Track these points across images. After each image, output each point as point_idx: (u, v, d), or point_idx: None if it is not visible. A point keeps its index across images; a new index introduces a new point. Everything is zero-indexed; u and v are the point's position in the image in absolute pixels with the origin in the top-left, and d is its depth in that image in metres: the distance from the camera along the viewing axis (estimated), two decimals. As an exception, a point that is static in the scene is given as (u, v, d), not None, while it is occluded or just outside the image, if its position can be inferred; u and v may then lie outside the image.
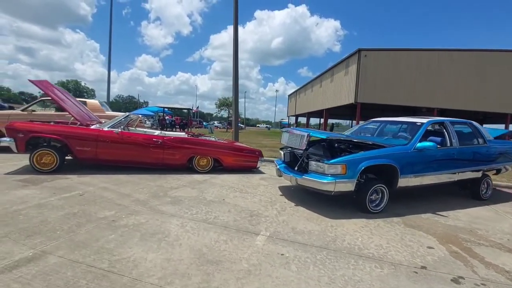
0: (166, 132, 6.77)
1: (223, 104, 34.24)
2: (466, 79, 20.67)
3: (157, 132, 6.40)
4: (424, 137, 4.50)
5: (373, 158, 3.87)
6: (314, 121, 52.73)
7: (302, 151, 4.39)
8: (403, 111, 37.43)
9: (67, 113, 7.42)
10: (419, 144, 4.24)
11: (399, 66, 20.64)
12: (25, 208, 3.24)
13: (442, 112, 22.15)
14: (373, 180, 3.99)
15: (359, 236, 3.16)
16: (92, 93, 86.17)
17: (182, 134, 6.65)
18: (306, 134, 4.00)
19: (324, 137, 4.09)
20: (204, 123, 43.92)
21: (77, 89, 79.72)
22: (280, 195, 4.68)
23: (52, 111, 7.79)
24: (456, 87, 20.80)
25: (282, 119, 73.72)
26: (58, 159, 5.00)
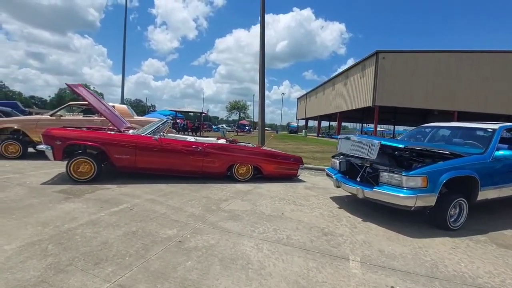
0: (199, 138, 6.43)
1: (234, 107, 34.02)
2: (488, 81, 20.09)
3: (190, 138, 6.06)
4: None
5: (454, 169, 3.46)
6: (323, 124, 52.35)
7: (362, 161, 4.02)
8: (412, 114, 36.51)
9: (95, 118, 7.16)
10: (499, 153, 3.83)
11: (418, 68, 20.17)
12: (78, 226, 2.90)
13: (462, 115, 21.58)
14: (453, 194, 3.58)
15: (458, 260, 2.75)
16: (101, 96, 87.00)
17: (213, 140, 6.29)
18: (377, 142, 3.62)
19: (402, 146, 3.70)
20: (213, 127, 43.70)
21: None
22: (338, 207, 4.28)
23: (80, 116, 7.53)
24: (477, 90, 20.23)
25: (289, 122, 73.22)
26: (96, 167, 4.69)
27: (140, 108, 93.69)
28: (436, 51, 20.69)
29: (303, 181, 6.11)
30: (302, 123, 50.70)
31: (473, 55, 20.31)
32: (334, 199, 4.77)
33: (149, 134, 5.05)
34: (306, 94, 45.00)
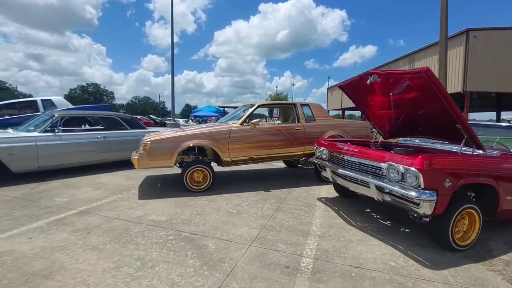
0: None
1: (275, 100, 31.66)
2: None
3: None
4: None
5: None
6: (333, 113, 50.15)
7: None
8: (457, 98, 33.86)
9: (295, 125, 4.99)
10: None
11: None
12: None
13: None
14: None
15: None
16: (111, 95, 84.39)
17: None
18: None
19: None
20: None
21: (97, 92, 77.85)
22: None
23: (276, 123, 5.36)
24: None
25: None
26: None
27: (150, 105, 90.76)
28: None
29: None
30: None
31: None
32: None
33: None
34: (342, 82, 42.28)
